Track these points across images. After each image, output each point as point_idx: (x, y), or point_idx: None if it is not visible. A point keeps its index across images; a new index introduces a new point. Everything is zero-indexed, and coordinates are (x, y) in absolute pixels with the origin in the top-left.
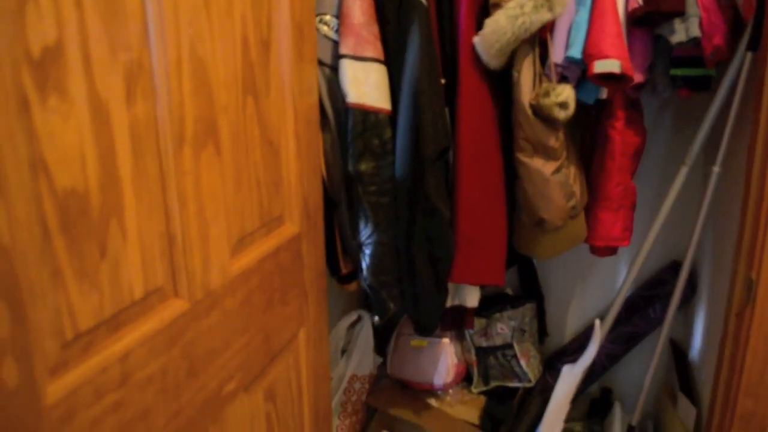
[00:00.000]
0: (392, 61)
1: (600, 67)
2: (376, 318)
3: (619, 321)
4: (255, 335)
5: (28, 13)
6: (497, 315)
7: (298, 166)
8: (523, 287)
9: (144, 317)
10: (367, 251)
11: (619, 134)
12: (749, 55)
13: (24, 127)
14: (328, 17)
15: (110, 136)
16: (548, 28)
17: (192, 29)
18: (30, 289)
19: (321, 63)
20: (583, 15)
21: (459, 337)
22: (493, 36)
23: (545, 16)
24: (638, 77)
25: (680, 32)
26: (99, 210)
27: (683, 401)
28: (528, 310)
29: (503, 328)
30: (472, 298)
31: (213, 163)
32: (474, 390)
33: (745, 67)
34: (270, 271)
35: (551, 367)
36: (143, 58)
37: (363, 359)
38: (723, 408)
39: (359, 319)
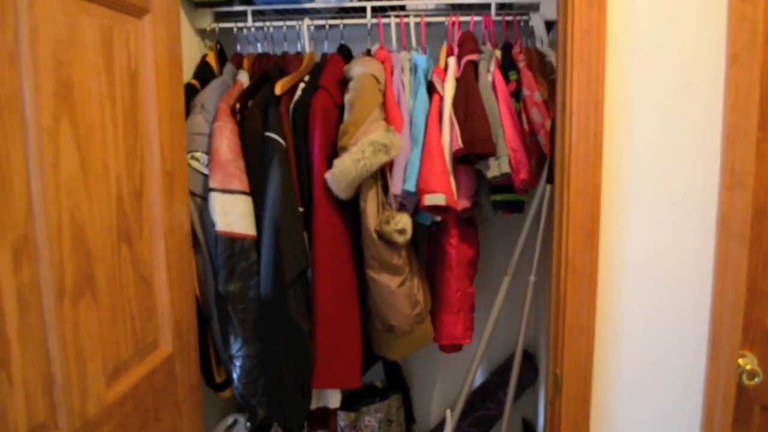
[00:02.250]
0: (256, 191)
1: (429, 200)
2: (248, 424)
3: (474, 406)
4: None
5: None
6: (365, 409)
7: (170, 294)
8: (389, 379)
9: None
10: (237, 363)
11: (455, 249)
12: (549, 186)
13: None
14: (198, 153)
15: (0, 302)
16: (388, 165)
17: (71, 199)
18: None
19: (193, 194)
20: (416, 154)
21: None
22: (340, 175)
23: (382, 158)
24: (464, 203)
25: (494, 168)
26: None
27: None
28: (394, 401)
29: (371, 420)
30: (334, 399)
31: (90, 308)
32: None
33: (546, 196)
34: (144, 392)
35: None
36: (28, 231)
37: None
38: None
39: (235, 422)
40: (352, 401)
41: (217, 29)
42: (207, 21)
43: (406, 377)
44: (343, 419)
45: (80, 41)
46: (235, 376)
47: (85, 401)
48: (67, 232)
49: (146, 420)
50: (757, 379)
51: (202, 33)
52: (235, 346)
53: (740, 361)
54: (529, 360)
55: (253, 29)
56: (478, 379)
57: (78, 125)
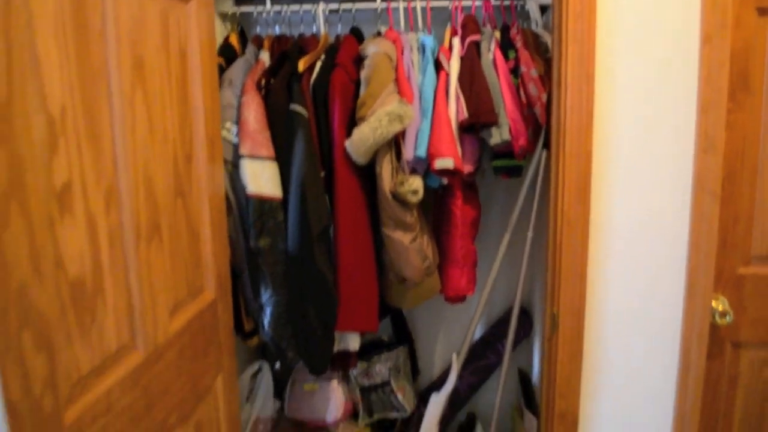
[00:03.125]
0: (282, 158)
1: (439, 164)
2: (278, 364)
3: (475, 356)
4: (187, 380)
5: (53, 161)
6: (375, 358)
7: (213, 246)
8: (396, 334)
9: (117, 365)
10: (268, 311)
11: (459, 209)
12: (545, 151)
13: (51, 239)
14: (228, 124)
15: (96, 239)
16: (401, 134)
17: (143, 157)
18: (56, 346)
19: (224, 161)
20: (426, 124)
21: (345, 379)
22: (359, 142)
23: (397, 127)
24: (468, 168)
25: (496, 136)
26: (91, 290)
27: (528, 415)
28: (401, 352)
29: (381, 368)
30: (354, 342)
31: (158, 250)
32: (360, 423)
33: (543, 160)
34: (196, 329)
35: (424, 400)
36: (114, 181)
37: (265, 404)
38: (546, 410)
39: (260, 369)
40: (363, 353)
41: (238, 13)
42: (229, 5)
43: (411, 332)
44: (356, 368)
45: (147, 22)
46: (265, 322)
47: (156, 329)
48: (141, 185)
49: (197, 353)
50: (728, 318)
51: (223, 16)
52: (266, 296)
53: (713, 303)
54: (525, 315)
55: (271, 13)
56: (478, 333)
57: (147, 95)
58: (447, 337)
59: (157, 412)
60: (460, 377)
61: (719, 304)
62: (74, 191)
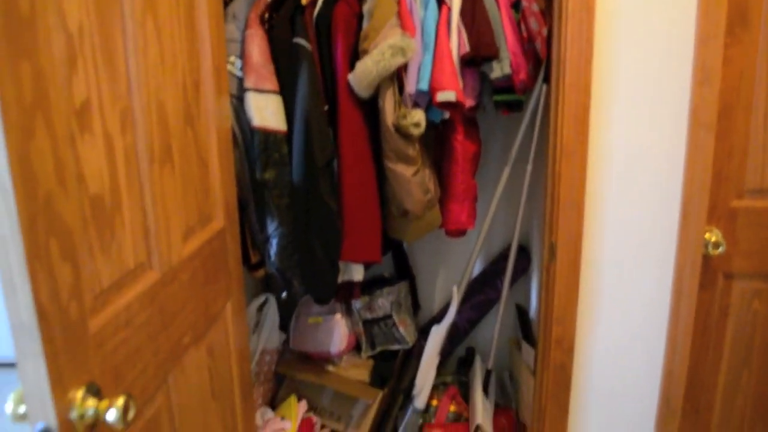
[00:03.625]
0: (286, 92)
1: (441, 97)
2: (284, 294)
3: (474, 291)
4: (199, 303)
5: (72, 79)
6: (378, 292)
7: (221, 175)
8: (397, 270)
9: (135, 282)
10: (274, 241)
11: (460, 144)
12: (545, 85)
13: (73, 154)
14: (233, 58)
15: (114, 158)
16: (404, 67)
17: (155, 81)
18: (80, 257)
19: (229, 95)
20: (428, 58)
21: (348, 313)
22: (362, 75)
23: (400, 60)
24: (470, 102)
25: (497, 70)
26: (110, 207)
27: (525, 346)
28: (402, 287)
29: (383, 302)
30: (357, 273)
31: (170, 175)
32: (363, 355)
33: (543, 94)
34: (206, 255)
35: (425, 333)
36: (128, 103)
37: (271, 335)
38: (543, 337)
39: (266, 301)
40: (366, 288)
41: None
42: None
43: (412, 268)
44: (358, 302)
45: None
46: (271, 253)
47: (170, 251)
48: (153, 108)
49: (208, 278)
50: (720, 249)
51: None
52: (272, 227)
53: (707, 235)
54: (523, 251)
55: None
56: (477, 269)
57: (157, 21)
58: (447, 274)
59: (173, 330)
60: (459, 312)
61: (712, 236)
62: (92, 110)
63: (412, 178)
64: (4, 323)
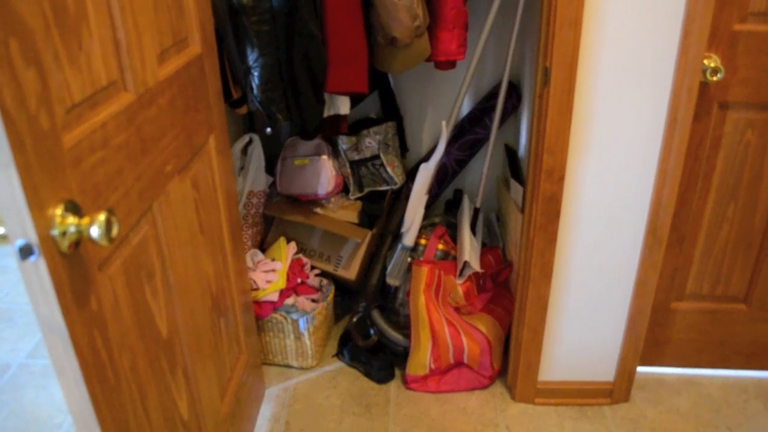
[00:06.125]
0: None
1: None
2: (268, 130)
3: (463, 131)
4: (181, 131)
5: None
6: (365, 132)
7: None
8: (384, 111)
9: (109, 101)
10: (255, 74)
11: None
12: None
13: None
14: None
15: None
16: None
17: None
18: (46, 63)
19: None
20: None
21: (335, 154)
22: None
23: None
24: None
25: None
26: (74, 14)
27: (514, 184)
28: (390, 127)
29: (371, 142)
30: (344, 106)
31: None
32: (351, 197)
33: None
34: (184, 81)
35: (412, 176)
36: None
37: (257, 177)
38: (534, 166)
39: (251, 141)
40: (351, 129)
41: None
42: None
43: (400, 108)
44: (345, 143)
45: None
46: (254, 85)
47: (144, 70)
48: None
49: (188, 107)
50: (719, 75)
51: None
52: (252, 57)
53: (705, 61)
54: (514, 88)
55: None
56: (466, 108)
57: None
58: (435, 116)
59: (154, 156)
60: (447, 153)
61: (711, 62)
62: None
63: (400, 2)
64: None
